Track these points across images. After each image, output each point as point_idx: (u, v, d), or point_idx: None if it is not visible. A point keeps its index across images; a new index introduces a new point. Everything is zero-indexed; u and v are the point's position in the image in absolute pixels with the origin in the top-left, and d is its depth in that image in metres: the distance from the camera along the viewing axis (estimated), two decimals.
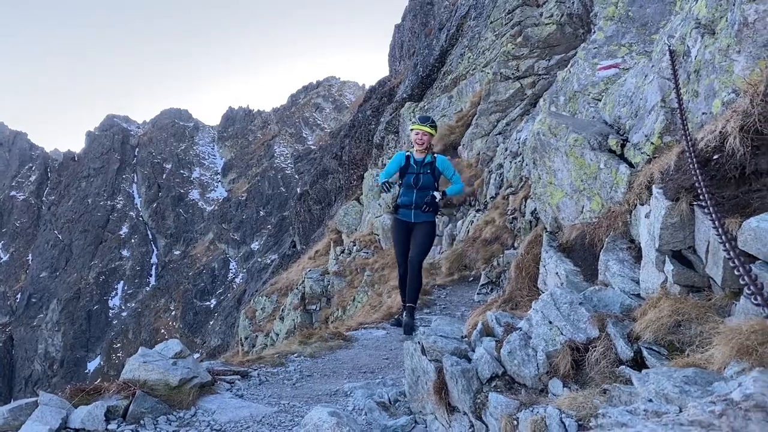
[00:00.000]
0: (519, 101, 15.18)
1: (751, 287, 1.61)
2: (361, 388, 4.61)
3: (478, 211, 13.70)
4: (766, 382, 1.01)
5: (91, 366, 79.78)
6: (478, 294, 9.52)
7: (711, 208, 2.42)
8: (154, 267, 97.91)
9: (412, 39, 41.99)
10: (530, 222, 9.64)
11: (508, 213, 11.15)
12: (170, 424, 3.64)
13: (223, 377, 4.66)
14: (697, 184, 2.51)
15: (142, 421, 3.59)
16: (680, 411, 1.11)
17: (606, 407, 1.65)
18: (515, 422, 2.74)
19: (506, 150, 13.31)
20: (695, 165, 2.71)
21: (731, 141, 2.77)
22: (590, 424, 1.76)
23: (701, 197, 2.63)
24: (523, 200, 10.40)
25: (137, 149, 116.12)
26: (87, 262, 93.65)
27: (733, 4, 3.58)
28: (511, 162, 12.51)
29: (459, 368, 3.24)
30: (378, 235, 17.77)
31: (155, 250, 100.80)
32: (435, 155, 7.05)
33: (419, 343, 3.69)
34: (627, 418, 1.35)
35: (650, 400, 1.47)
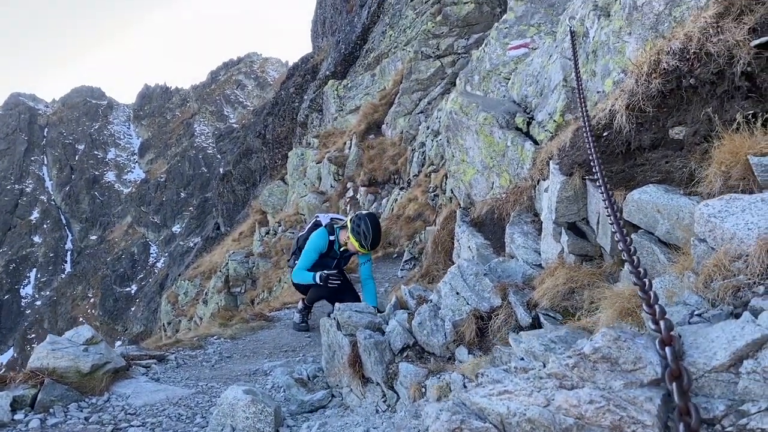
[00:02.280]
0: (440, 80, 15.40)
1: (623, 247, 1.77)
2: (280, 366, 4.65)
3: (401, 189, 13.89)
4: (612, 336, 1.13)
5: (3, 359, 75.46)
6: (401, 270, 9.70)
7: (602, 182, 2.59)
8: (69, 253, 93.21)
9: (335, 15, 41.50)
10: (450, 199, 9.89)
11: (430, 190, 11.39)
12: (81, 411, 3.55)
13: (138, 362, 4.57)
14: (590, 160, 2.68)
15: (51, 410, 3.49)
16: (543, 367, 1.23)
17: (489, 368, 1.78)
18: (423, 389, 2.87)
19: (428, 128, 13.52)
20: (590, 141, 2.88)
21: (618, 119, 2.96)
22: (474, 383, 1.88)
23: (593, 172, 2.81)
24: (444, 178, 10.63)
25: (46, 129, 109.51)
26: None
27: None
28: (432, 140, 12.72)
29: (372, 341, 3.33)
30: (304, 215, 17.67)
31: (70, 235, 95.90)
32: None
33: (335, 318, 3.76)
34: (501, 375, 1.47)
35: (522, 359, 1.60)
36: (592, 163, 2.52)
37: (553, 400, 1.11)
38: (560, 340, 1.67)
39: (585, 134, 2.82)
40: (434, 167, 12.21)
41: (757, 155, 2.12)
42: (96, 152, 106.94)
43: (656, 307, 1.27)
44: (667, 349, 1.12)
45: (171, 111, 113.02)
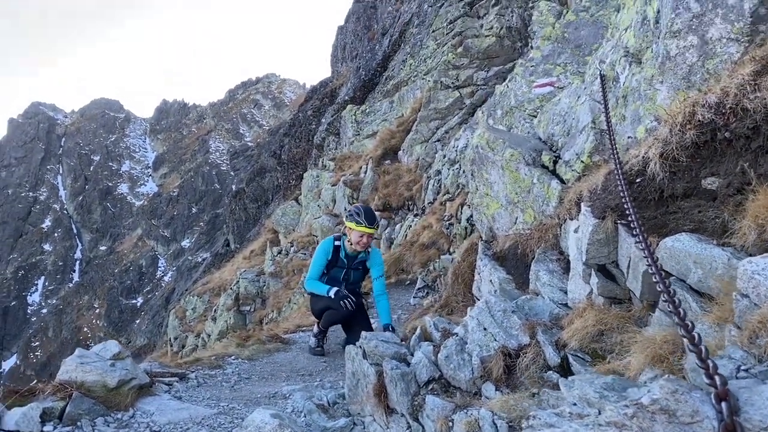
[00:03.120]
0: (458, 110, 15.58)
1: (666, 298, 1.83)
2: (299, 390, 4.70)
3: (416, 215, 13.97)
4: (670, 389, 1.20)
5: (7, 365, 75.58)
6: (414, 297, 9.73)
7: (639, 228, 2.65)
8: (77, 262, 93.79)
9: (355, 41, 42.16)
10: (466, 228, 9.96)
11: (445, 219, 11.46)
12: (108, 426, 3.62)
13: (161, 379, 4.63)
14: (625, 205, 2.75)
15: (79, 423, 3.56)
16: (599, 413, 1.28)
17: (536, 410, 1.83)
18: (450, 423, 2.91)
19: (444, 157, 13.64)
20: (624, 187, 2.95)
21: (652, 166, 3.04)
22: (522, 425, 1.93)
23: (627, 216, 2.88)
24: (459, 207, 10.73)
25: (64, 139, 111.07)
26: (5, 255, 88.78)
27: (658, 38, 3.90)
28: (449, 169, 12.84)
29: (398, 372, 3.38)
30: (317, 237, 17.76)
31: (80, 245, 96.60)
32: (369, 249, 6.20)
33: (361, 347, 3.81)
34: (554, 420, 1.52)
35: (574, 404, 1.65)
36: (627, 211, 2.59)
37: None
38: (608, 387, 1.72)
39: (618, 181, 2.90)
40: (449, 196, 12.30)
41: None
42: (111, 164, 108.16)
43: (709, 361, 1.33)
44: (723, 404, 1.18)
45: (187, 127, 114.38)
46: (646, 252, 2.16)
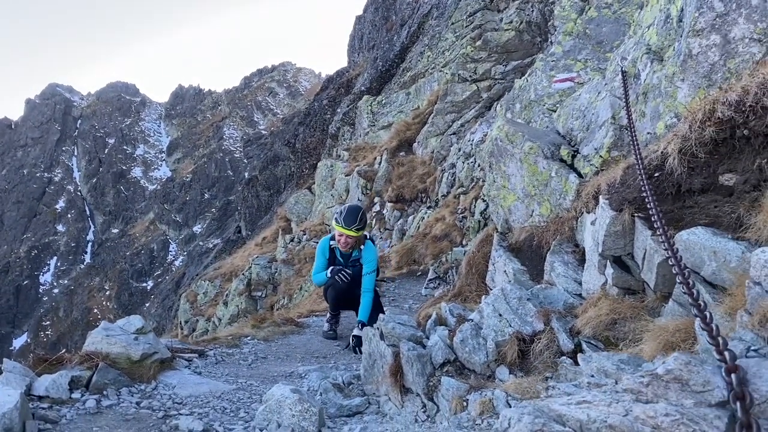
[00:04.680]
0: (475, 103, 15.60)
1: (681, 279, 1.92)
2: (315, 371, 4.81)
3: (429, 208, 14.06)
4: (683, 360, 1.29)
5: (17, 343, 76.63)
6: (425, 288, 9.84)
7: (659, 220, 2.72)
8: (90, 244, 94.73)
9: (373, 32, 42.12)
10: (479, 222, 10.04)
11: (459, 212, 11.53)
12: (132, 396, 3.75)
13: (181, 355, 4.77)
14: (646, 198, 2.83)
15: (105, 392, 3.69)
16: (616, 383, 1.37)
17: (556, 381, 1.93)
18: (465, 403, 3.01)
19: (460, 150, 13.69)
20: (645, 180, 3.03)
21: (671, 161, 3.12)
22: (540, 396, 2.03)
23: (645, 210, 2.96)
24: (473, 200, 10.79)
25: (79, 121, 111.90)
26: (18, 234, 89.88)
27: (680, 36, 3.95)
28: (464, 162, 12.89)
29: (415, 353, 3.49)
30: (329, 225, 17.89)
31: (92, 226, 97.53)
32: (363, 243, 6.29)
33: (378, 328, 3.92)
34: (572, 389, 1.62)
35: (592, 375, 1.75)
36: (647, 204, 2.67)
37: (631, 411, 1.26)
38: (624, 362, 1.82)
39: (639, 174, 2.97)
40: (464, 189, 12.37)
41: None
42: (125, 147, 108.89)
43: (719, 338, 1.42)
44: (732, 375, 1.27)
45: (202, 113, 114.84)
46: (665, 241, 2.24)
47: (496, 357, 3.30)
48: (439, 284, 9.85)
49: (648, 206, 2.66)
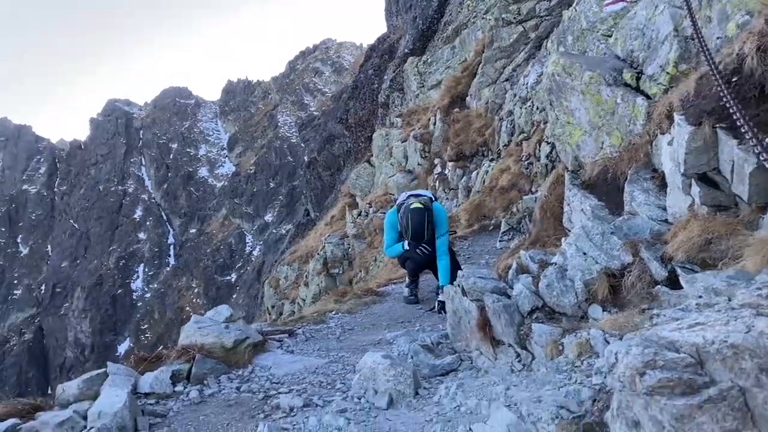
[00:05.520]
0: (523, 45, 15.04)
1: None
2: (402, 336, 4.84)
3: (491, 160, 13.76)
4: None
5: (122, 348, 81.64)
6: (500, 241, 9.69)
7: (748, 126, 2.49)
8: (171, 247, 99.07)
9: None
10: (546, 165, 9.72)
11: (523, 159, 11.22)
12: (231, 382, 3.88)
13: (272, 337, 4.90)
14: (722, 106, 2.62)
15: (205, 381, 3.84)
16: (729, 300, 1.26)
17: (658, 309, 1.82)
18: (560, 347, 2.93)
19: (515, 96, 13.28)
20: (723, 87, 2.79)
21: (749, 62, 2.86)
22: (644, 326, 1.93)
23: (731, 117, 2.72)
24: (537, 144, 10.45)
25: (141, 131, 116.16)
26: (105, 248, 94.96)
27: None
28: (521, 108, 12.50)
29: (501, 304, 3.42)
30: (393, 195, 17.89)
31: (171, 230, 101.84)
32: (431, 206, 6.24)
33: (459, 285, 3.87)
34: (679, 314, 1.51)
35: (700, 296, 1.63)
36: (731, 110, 2.46)
37: (753, 326, 1.15)
38: (733, 278, 1.69)
39: (715, 82, 2.74)
40: (525, 135, 12.00)
41: None
42: (188, 149, 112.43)
43: None
44: None
45: (254, 104, 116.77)
46: (757, 145, 2.05)
47: (586, 296, 3.18)
48: (513, 236, 9.68)
49: (732, 113, 2.45)
